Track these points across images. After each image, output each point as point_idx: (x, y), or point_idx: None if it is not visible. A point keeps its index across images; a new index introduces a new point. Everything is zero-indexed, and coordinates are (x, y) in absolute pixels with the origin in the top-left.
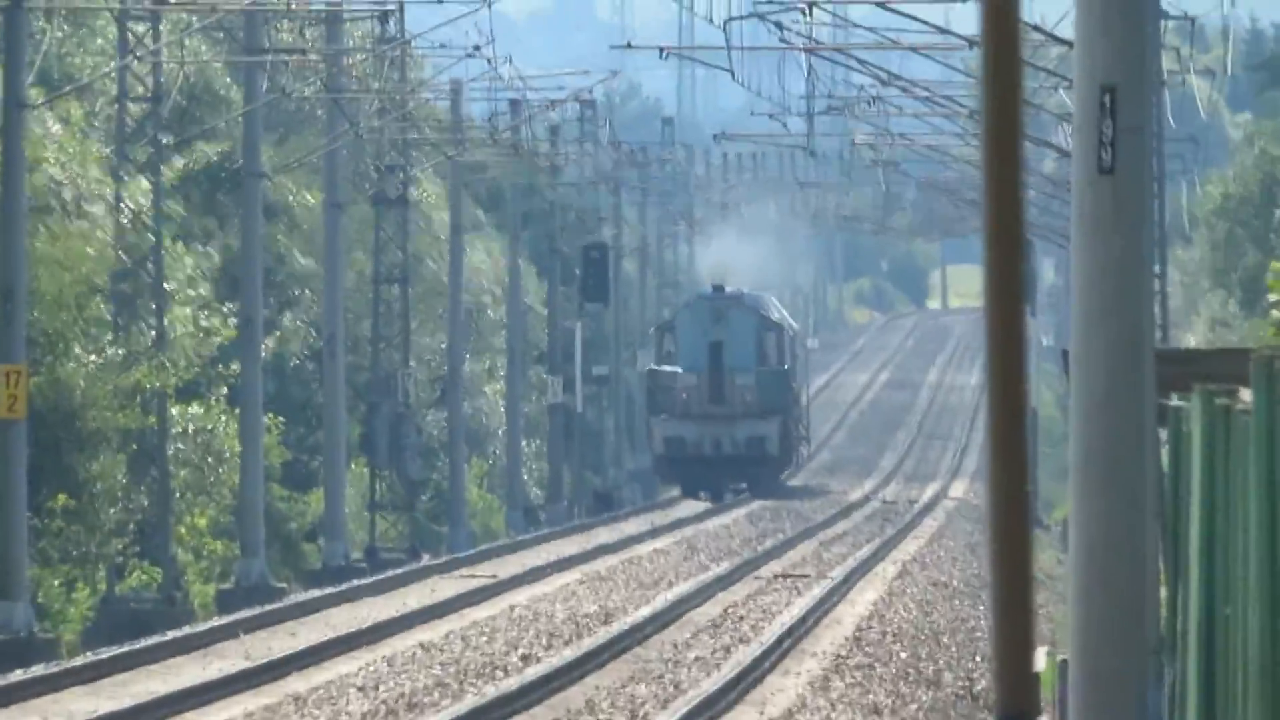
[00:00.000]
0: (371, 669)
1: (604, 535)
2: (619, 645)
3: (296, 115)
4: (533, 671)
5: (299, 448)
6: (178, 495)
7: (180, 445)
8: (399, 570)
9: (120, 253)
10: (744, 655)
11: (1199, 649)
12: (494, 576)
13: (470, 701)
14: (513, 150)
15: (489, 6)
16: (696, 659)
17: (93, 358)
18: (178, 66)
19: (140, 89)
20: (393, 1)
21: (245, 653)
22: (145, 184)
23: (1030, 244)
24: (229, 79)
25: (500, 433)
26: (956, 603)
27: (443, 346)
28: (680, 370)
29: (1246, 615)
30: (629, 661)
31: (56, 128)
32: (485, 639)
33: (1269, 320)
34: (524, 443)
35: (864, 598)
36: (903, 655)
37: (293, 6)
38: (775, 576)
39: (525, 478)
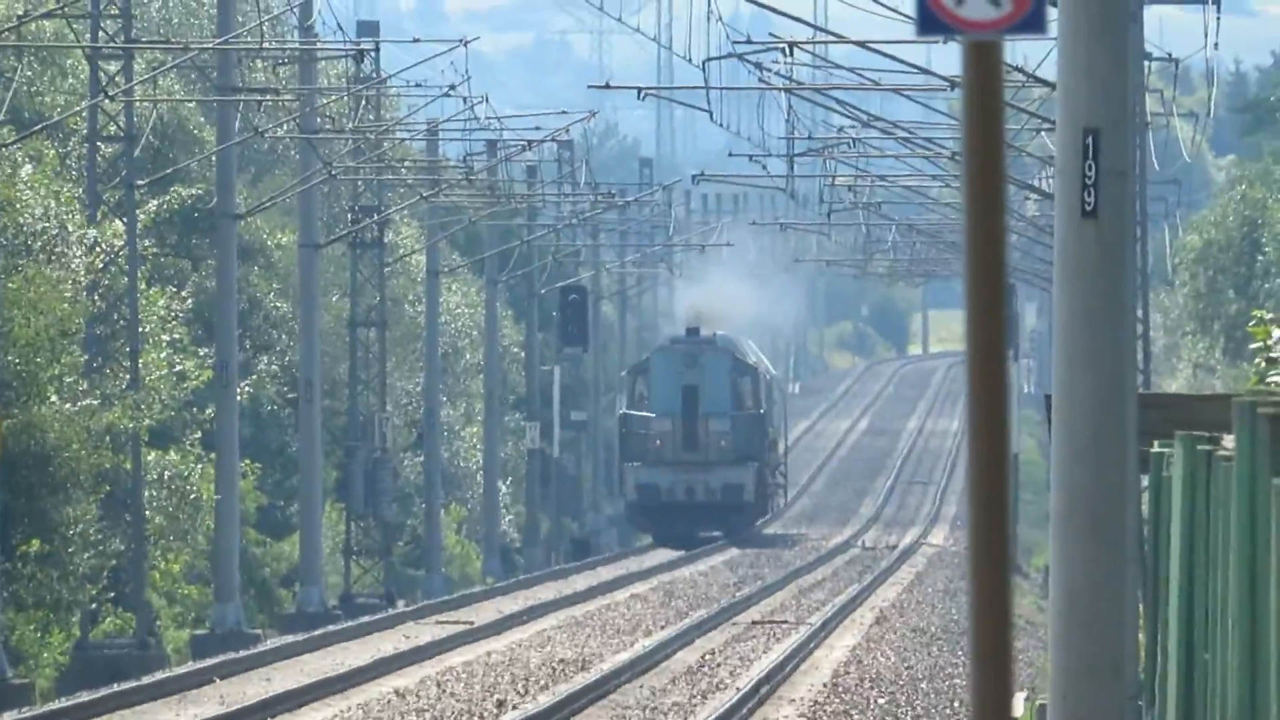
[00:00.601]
0: (346, 716)
1: (581, 581)
2: (596, 692)
3: (270, 155)
4: (508, 718)
5: (275, 493)
6: (152, 540)
7: (154, 491)
8: (374, 616)
9: (94, 295)
10: (721, 701)
11: (1178, 694)
12: (470, 623)
13: None
14: (489, 191)
15: (465, 45)
16: (674, 706)
17: (67, 406)
18: (150, 106)
19: (112, 129)
20: (368, 40)
21: (220, 699)
22: (119, 225)
23: (1012, 287)
24: (202, 119)
25: (478, 478)
26: (935, 649)
27: (420, 390)
28: (653, 415)
29: (1225, 661)
30: (606, 708)
31: (28, 168)
32: (461, 685)
33: (1253, 367)
34: (501, 488)
35: (842, 644)
36: (881, 701)
37: (266, 45)
38: (753, 623)
39: (502, 523)
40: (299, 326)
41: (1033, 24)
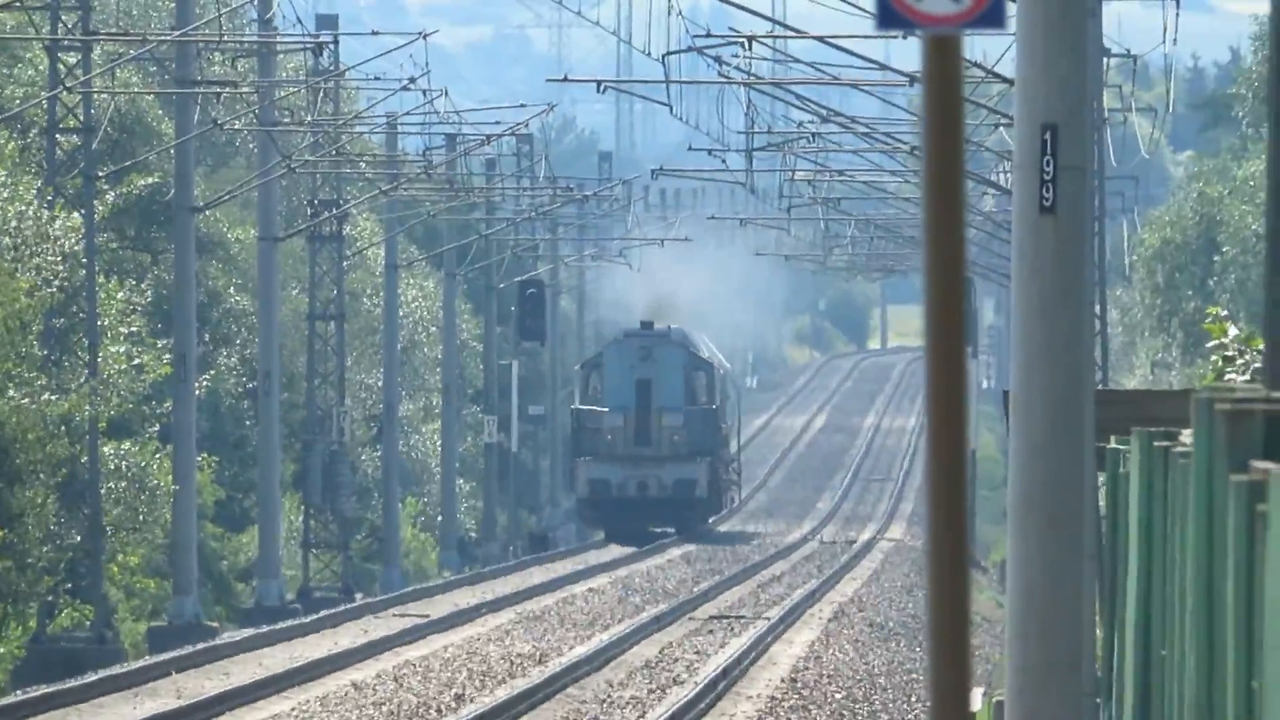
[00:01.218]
0: (304, 709)
1: (539, 575)
2: (553, 686)
3: (227, 148)
4: (466, 712)
5: (233, 486)
6: (109, 533)
7: (112, 483)
8: (332, 609)
9: (52, 288)
10: (678, 696)
11: (1135, 691)
12: (427, 616)
13: None
14: (448, 185)
15: (424, 39)
16: (631, 700)
17: (25, 400)
18: (109, 98)
19: (71, 120)
20: (326, 34)
21: (177, 692)
22: (77, 218)
23: (970, 283)
24: (161, 111)
25: (435, 472)
26: (893, 644)
27: (379, 384)
28: (606, 410)
29: (1183, 657)
30: (563, 702)
31: None
32: (418, 679)
33: (1210, 364)
34: (459, 482)
35: (800, 639)
36: (838, 697)
37: (225, 38)
38: (711, 618)
39: (460, 517)
40: (258, 320)
41: (992, 19)
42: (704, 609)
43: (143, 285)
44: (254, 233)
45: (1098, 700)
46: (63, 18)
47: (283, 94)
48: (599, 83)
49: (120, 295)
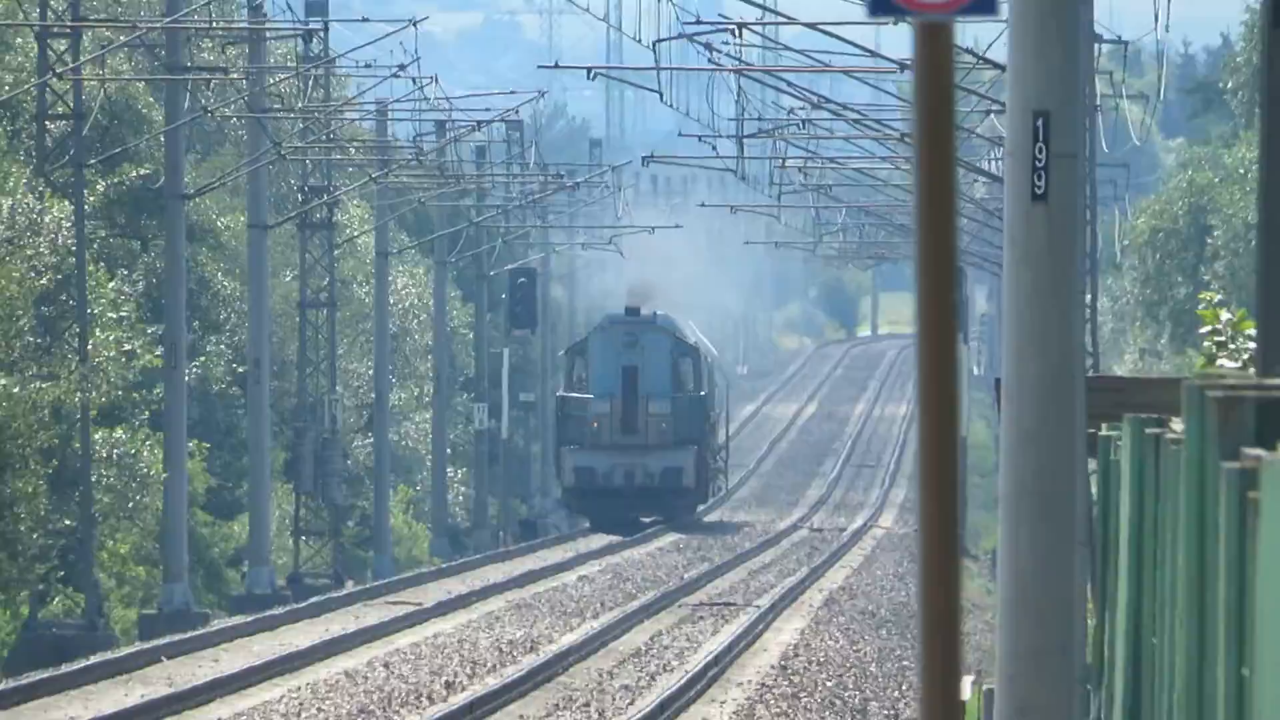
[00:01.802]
0: (295, 696)
1: (529, 562)
2: (544, 673)
3: (217, 135)
4: (457, 699)
5: (223, 473)
6: (100, 520)
7: (103, 470)
8: (323, 597)
9: (43, 277)
10: (669, 683)
11: (1126, 678)
12: (418, 604)
13: None
14: (438, 172)
15: (415, 25)
16: (622, 687)
17: (16, 389)
18: (99, 85)
19: (61, 107)
20: (316, 20)
21: (168, 679)
22: (67, 205)
23: (962, 271)
24: (150, 98)
25: (426, 459)
26: (884, 632)
27: (369, 372)
28: (591, 397)
29: (1173, 645)
30: (553, 690)
31: None
32: (409, 666)
33: (1202, 351)
34: (450, 469)
35: (790, 626)
36: (829, 684)
37: (215, 25)
38: (701, 605)
39: (451, 504)
40: (248, 307)
41: (984, 6)
42: (694, 596)
43: (133, 273)
44: (244, 220)
45: (1088, 687)
46: (52, 4)
47: (273, 81)
48: (589, 70)
49: (110, 283)
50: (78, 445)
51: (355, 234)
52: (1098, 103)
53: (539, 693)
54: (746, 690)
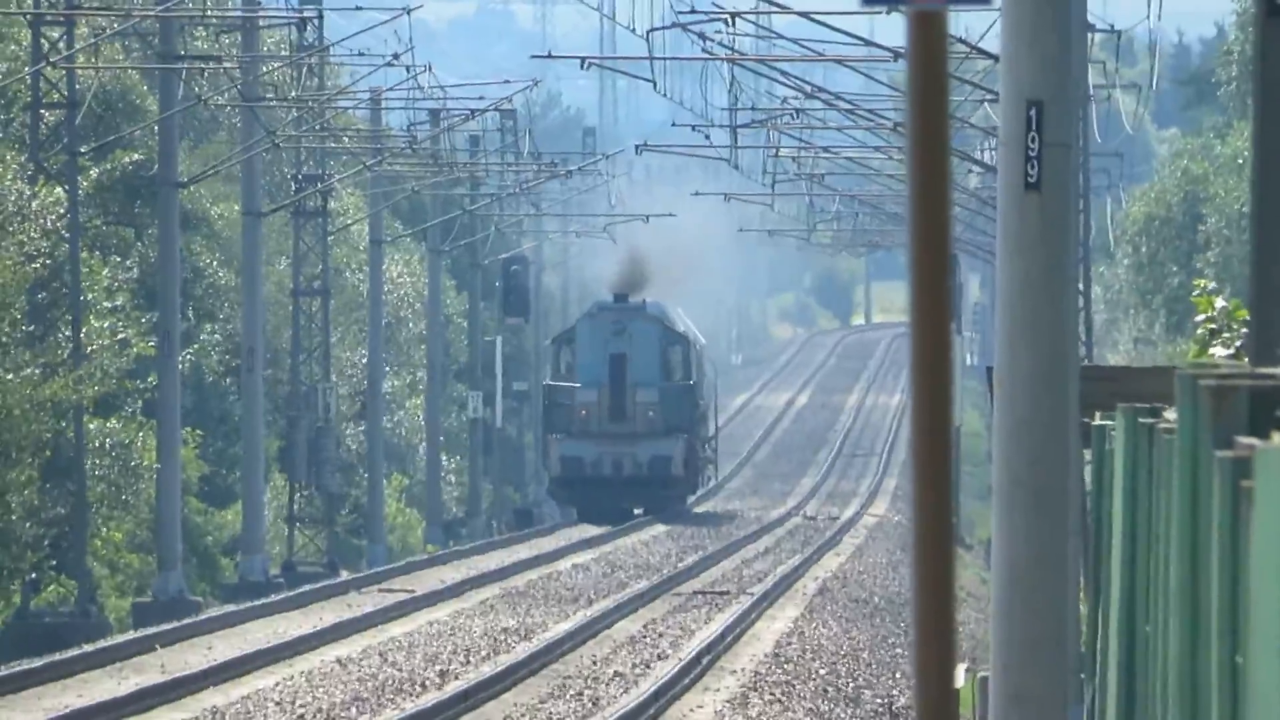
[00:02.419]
0: (289, 684)
1: (523, 551)
2: (538, 661)
3: (210, 124)
4: (451, 688)
5: (217, 461)
6: (93, 508)
7: (96, 459)
8: (317, 585)
9: (35, 263)
10: (663, 671)
11: (1119, 667)
12: (412, 592)
13: (388, 717)
14: (432, 161)
15: (408, 14)
16: (615, 675)
17: (10, 376)
18: (93, 73)
19: (55, 96)
20: (310, 8)
21: (161, 667)
22: (61, 193)
23: (955, 260)
24: (144, 86)
25: (420, 448)
26: (878, 620)
27: (363, 360)
28: (579, 385)
29: (1167, 634)
30: (547, 678)
31: None
32: (403, 654)
33: (1195, 339)
34: (444, 458)
35: (784, 614)
36: (822, 672)
37: (209, 13)
38: (695, 593)
39: (445, 493)
40: (241, 295)
41: None
42: (688, 584)
43: (126, 261)
44: (237, 208)
45: (1082, 676)
46: None
47: (266, 69)
48: (583, 59)
49: (104, 271)
50: (71, 434)
51: (349, 222)
52: (1091, 92)
53: (533, 680)
54: (740, 678)
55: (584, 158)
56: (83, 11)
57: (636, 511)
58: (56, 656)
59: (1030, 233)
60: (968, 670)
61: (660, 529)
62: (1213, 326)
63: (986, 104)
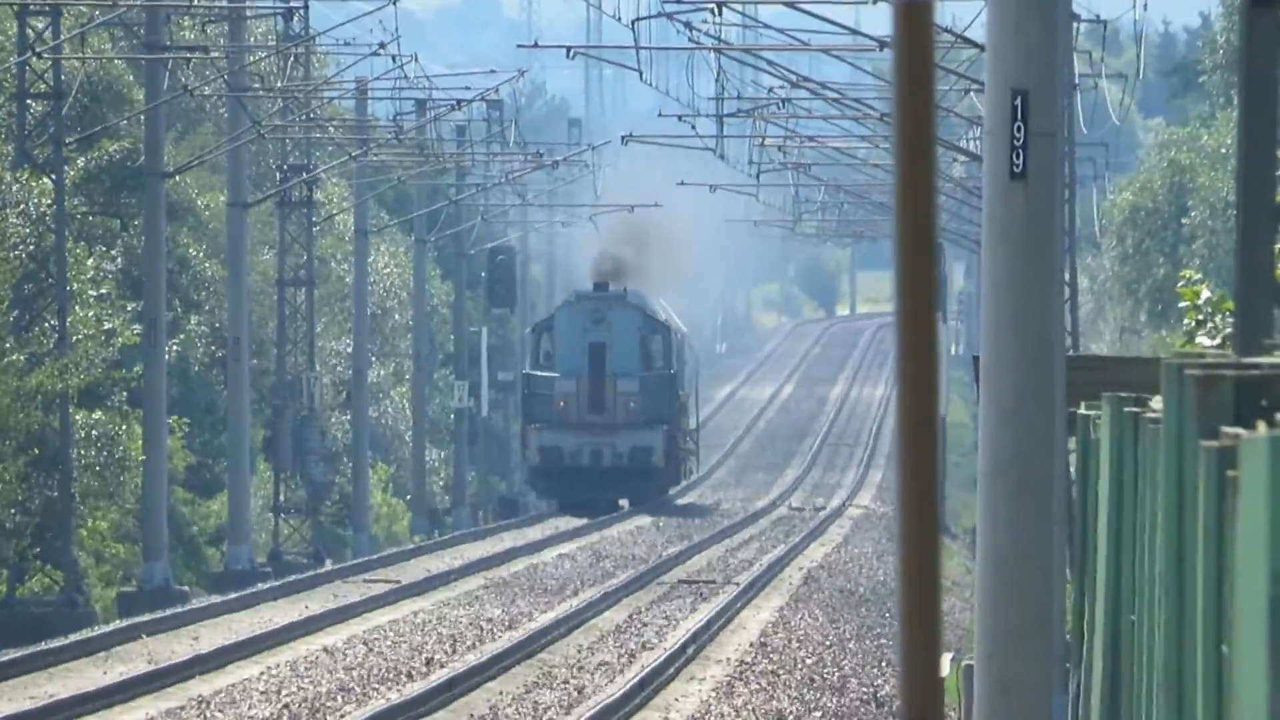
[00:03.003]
0: (275, 673)
1: (509, 540)
2: (523, 650)
3: (196, 113)
4: (436, 676)
5: (203, 451)
6: (79, 498)
7: (82, 449)
8: (302, 575)
9: (21, 253)
10: (648, 661)
11: (1104, 655)
12: (397, 581)
13: (374, 706)
14: (418, 151)
15: (394, 4)
16: (601, 664)
17: None
18: (79, 63)
19: (41, 86)
20: None
21: (147, 656)
22: (47, 183)
23: (941, 249)
24: (130, 76)
25: (406, 437)
26: (863, 609)
27: (348, 350)
28: (558, 375)
29: (1152, 623)
30: (533, 667)
31: None
32: (389, 644)
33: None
34: (429, 447)
35: (770, 604)
36: (808, 661)
37: (195, 3)
38: (680, 582)
39: (430, 483)
40: (227, 285)
41: None
42: (673, 574)
43: (112, 251)
44: (223, 198)
45: (1067, 665)
46: None
47: (253, 59)
48: (569, 49)
49: (90, 261)
50: (57, 424)
51: (335, 212)
52: (1076, 82)
53: (518, 669)
54: (726, 668)
55: (570, 148)
56: (69, 1)
57: (621, 503)
58: (42, 646)
59: (1016, 222)
60: (953, 659)
61: (645, 519)
62: (1199, 318)
63: (972, 93)
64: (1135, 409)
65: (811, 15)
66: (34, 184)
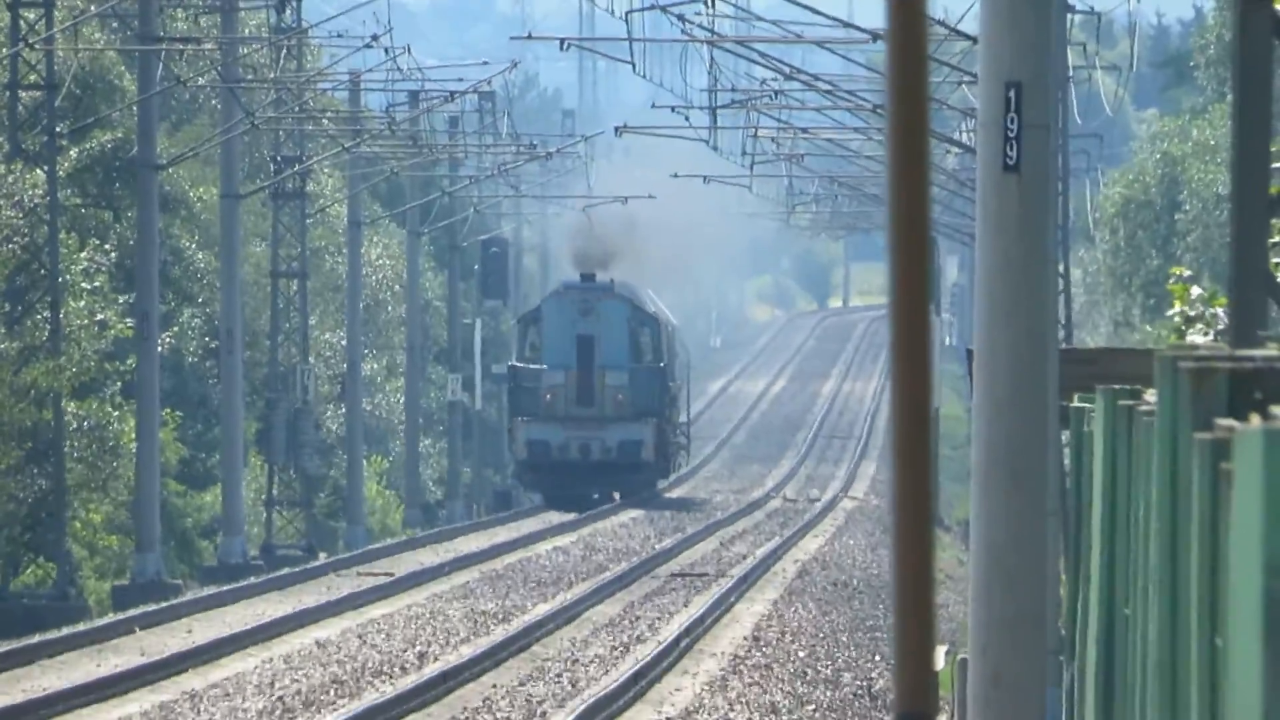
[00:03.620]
0: (268, 666)
1: (503, 533)
2: (517, 644)
3: (190, 105)
4: (430, 670)
5: (196, 444)
6: (72, 490)
7: (75, 441)
8: (296, 568)
9: (14, 245)
10: (642, 654)
11: (1098, 649)
12: (391, 574)
13: (367, 699)
14: (411, 142)
15: None
16: (595, 658)
17: None
18: (71, 55)
19: (33, 77)
20: None
21: (140, 649)
22: (39, 174)
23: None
24: (123, 68)
25: (400, 429)
26: (856, 602)
27: (342, 342)
28: (545, 368)
29: (1146, 616)
30: (527, 660)
31: None
32: (382, 637)
33: (1172, 324)
34: (423, 440)
35: (763, 597)
36: (801, 655)
37: None
38: (674, 575)
39: (424, 475)
40: (220, 277)
41: None
42: (667, 567)
43: (105, 243)
44: (216, 190)
45: (1061, 657)
46: None
47: (245, 51)
48: (562, 41)
49: (83, 253)
50: (50, 417)
51: (327, 204)
52: (1070, 74)
53: (512, 662)
54: (719, 661)
55: (563, 139)
56: None
57: (615, 497)
58: (35, 638)
59: (1009, 214)
60: (947, 652)
61: (639, 512)
62: (1189, 314)
63: (965, 85)
64: (1129, 402)
65: (805, 7)
66: (26, 176)
